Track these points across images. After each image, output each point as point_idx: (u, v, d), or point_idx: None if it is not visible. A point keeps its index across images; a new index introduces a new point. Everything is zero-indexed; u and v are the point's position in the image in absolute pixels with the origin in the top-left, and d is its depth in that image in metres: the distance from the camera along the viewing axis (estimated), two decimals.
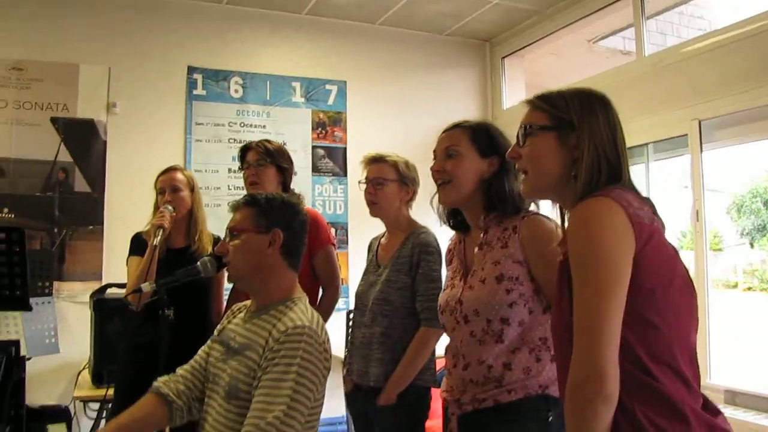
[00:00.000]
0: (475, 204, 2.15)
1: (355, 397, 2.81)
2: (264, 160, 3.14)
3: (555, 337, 1.59)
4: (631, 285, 1.38)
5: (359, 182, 2.88)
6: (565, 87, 1.62)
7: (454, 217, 2.28)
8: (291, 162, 3.26)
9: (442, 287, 2.28)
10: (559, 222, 1.68)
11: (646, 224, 1.42)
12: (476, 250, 2.12)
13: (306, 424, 1.86)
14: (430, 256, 2.70)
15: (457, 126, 2.23)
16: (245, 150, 3.24)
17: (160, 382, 2.08)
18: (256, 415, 1.77)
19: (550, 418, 1.92)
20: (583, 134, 1.53)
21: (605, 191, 1.45)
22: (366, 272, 2.90)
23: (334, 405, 5.38)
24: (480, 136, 2.17)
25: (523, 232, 2.02)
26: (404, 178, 2.81)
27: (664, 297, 1.41)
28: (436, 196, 2.23)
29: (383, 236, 2.94)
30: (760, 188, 12.91)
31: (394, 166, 2.82)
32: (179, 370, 2.13)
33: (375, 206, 2.82)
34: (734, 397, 4.12)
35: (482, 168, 2.14)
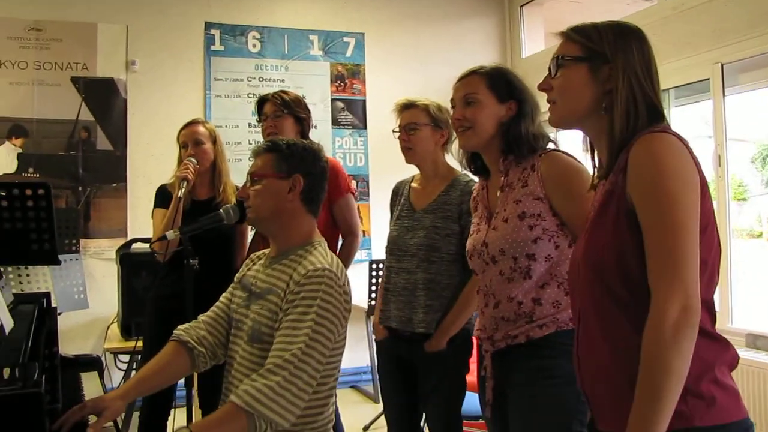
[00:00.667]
0: (494, 148, 2.17)
1: (391, 343, 2.78)
2: (281, 110, 3.15)
3: (586, 257, 1.54)
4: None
5: (393, 131, 2.85)
6: (599, 21, 1.60)
7: (474, 163, 2.30)
8: (308, 111, 3.27)
9: (470, 233, 2.29)
10: (588, 154, 1.66)
11: (700, 168, 1.42)
12: (498, 192, 2.15)
13: (327, 365, 1.89)
14: None
15: (473, 72, 2.23)
16: (262, 102, 3.25)
17: (181, 329, 2.10)
18: (276, 354, 1.80)
19: None
20: (616, 66, 1.51)
21: (666, 127, 1.45)
22: (398, 217, 2.85)
23: (359, 355, 5.48)
24: (497, 81, 2.18)
25: (543, 168, 2.04)
26: (437, 121, 2.77)
27: (711, 237, 1.42)
28: (456, 142, 2.25)
29: (412, 180, 2.90)
30: None
31: (425, 110, 2.78)
32: (201, 317, 2.16)
33: (410, 152, 2.78)
34: (755, 341, 4.13)
35: (500, 113, 2.16)
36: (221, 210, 2.50)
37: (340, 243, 3.22)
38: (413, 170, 2.89)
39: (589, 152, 1.66)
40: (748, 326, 4.14)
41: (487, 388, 2.17)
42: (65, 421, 1.72)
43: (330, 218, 3.11)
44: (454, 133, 2.78)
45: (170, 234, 2.51)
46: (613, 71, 1.51)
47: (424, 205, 2.76)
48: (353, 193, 3.24)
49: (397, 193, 2.96)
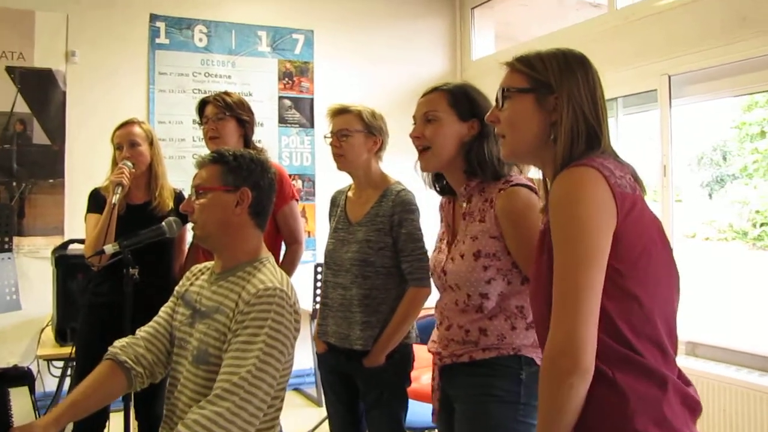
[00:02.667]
0: (456, 168, 2.12)
1: (330, 358, 2.75)
2: (223, 113, 3.04)
3: (534, 306, 1.58)
4: (614, 257, 1.36)
5: (324, 136, 2.80)
6: (544, 49, 1.58)
7: (439, 182, 2.25)
8: (251, 113, 3.16)
9: (435, 246, 2.28)
10: (542, 188, 1.65)
11: (628, 193, 1.40)
12: (461, 218, 2.11)
13: (277, 386, 1.83)
14: (412, 215, 2.63)
15: (435, 89, 2.17)
16: (203, 104, 3.13)
17: (117, 347, 2.00)
18: (225, 378, 1.73)
19: (523, 376, 1.97)
20: (561, 96, 1.50)
21: (587, 160, 1.42)
22: (335, 229, 2.80)
23: (302, 357, 5.41)
24: (459, 99, 2.12)
25: (498, 205, 1.99)
26: (371, 128, 2.72)
27: (645, 267, 1.40)
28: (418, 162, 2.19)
29: (349, 189, 2.85)
30: (721, 142, 13.10)
31: (358, 115, 2.72)
32: (139, 332, 2.06)
33: (342, 159, 2.72)
34: (695, 349, 4.20)
35: (462, 132, 2.10)
36: (163, 224, 2.41)
37: (282, 250, 3.14)
38: None
39: (543, 185, 1.64)
40: (688, 334, 4.18)
41: (434, 399, 2.25)
42: None
43: (273, 225, 3.03)
44: (386, 141, 2.77)
45: (108, 248, 2.41)
46: (558, 101, 1.50)
47: (358, 217, 2.72)
48: (297, 199, 3.16)
49: (334, 203, 2.91)
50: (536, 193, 2.01)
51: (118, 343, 2.03)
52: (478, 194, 2.08)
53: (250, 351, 1.75)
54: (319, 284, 4.92)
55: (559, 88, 1.51)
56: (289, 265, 3.06)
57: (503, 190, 2.01)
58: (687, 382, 1.47)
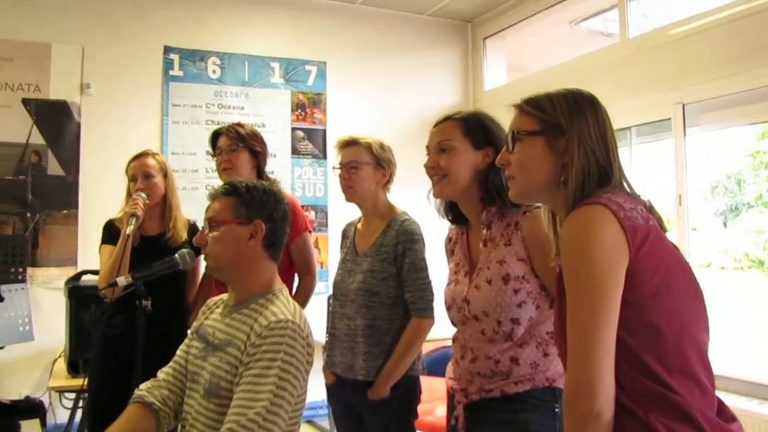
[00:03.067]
0: (472, 197, 2.10)
1: (338, 389, 2.73)
2: (236, 144, 3.03)
3: (557, 345, 1.56)
4: (630, 292, 1.34)
5: (333, 168, 2.81)
6: (553, 90, 1.58)
7: (452, 211, 2.22)
8: (264, 145, 3.16)
9: (447, 281, 2.22)
10: (550, 227, 1.64)
11: (641, 225, 1.38)
12: (481, 245, 2.07)
13: (290, 420, 1.81)
14: (416, 245, 2.63)
15: (448, 118, 2.16)
16: (216, 135, 3.13)
17: (143, 390, 1.99)
18: (238, 411, 1.71)
19: (557, 409, 1.91)
20: (572, 138, 1.50)
21: (595, 198, 1.41)
22: (343, 260, 2.81)
23: (315, 389, 5.36)
24: (473, 127, 2.11)
25: (526, 228, 1.97)
26: (380, 160, 2.73)
27: (666, 299, 1.37)
28: (432, 190, 2.17)
29: (359, 222, 2.85)
30: (736, 171, 13.03)
31: (368, 148, 2.73)
32: (160, 374, 2.05)
33: (350, 191, 2.73)
34: (715, 382, 4.13)
35: (477, 160, 2.08)
36: (176, 256, 2.40)
37: (296, 282, 3.12)
38: None
39: (551, 225, 1.63)
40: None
41: None
42: None
43: (286, 257, 3.01)
44: (394, 173, 2.77)
45: (121, 280, 2.40)
46: (569, 143, 1.50)
47: (365, 248, 2.72)
48: (310, 230, 3.15)
49: (345, 235, 2.92)
50: None
51: (143, 385, 2.02)
52: (498, 220, 2.05)
53: (264, 385, 1.73)
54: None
55: (570, 130, 1.50)
56: (302, 297, 3.04)
57: (528, 212, 1.99)
58: (730, 418, 1.42)
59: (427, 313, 2.60)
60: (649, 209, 1.48)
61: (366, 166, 2.71)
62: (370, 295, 2.61)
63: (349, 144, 2.76)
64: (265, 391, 1.72)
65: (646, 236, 1.38)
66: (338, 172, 2.77)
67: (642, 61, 4.62)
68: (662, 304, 1.37)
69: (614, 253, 1.34)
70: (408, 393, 2.63)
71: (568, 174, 1.48)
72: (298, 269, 3.09)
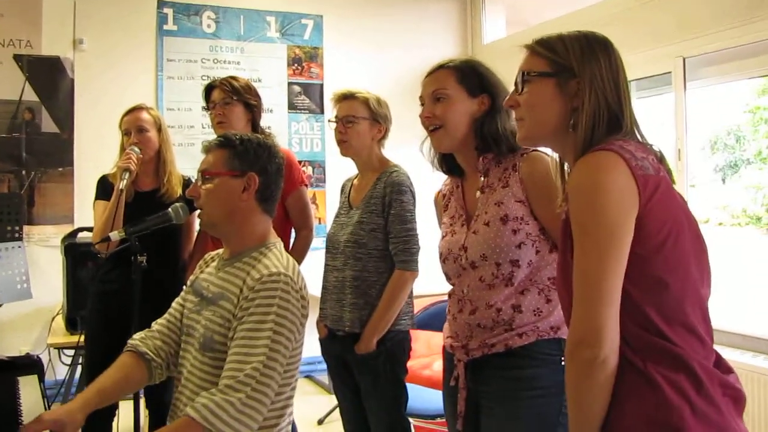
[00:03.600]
0: (469, 146, 2.05)
1: (330, 342, 2.75)
2: (230, 98, 2.99)
3: (560, 293, 1.55)
4: (637, 243, 1.33)
5: (329, 120, 2.79)
6: (566, 31, 1.54)
7: (446, 162, 2.18)
8: (259, 98, 3.11)
9: (442, 234, 2.18)
10: (558, 173, 1.60)
11: (651, 175, 1.35)
12: (478, 193, 2.03)
13: (285, 374, 1.81)
14: (402, 195, 2.62)
15: (441, 67, 2.10)
16: (210, 89, 3.08)
17: (137, 339, 1.99)
18: (234, 367, 1.70)
19: (563, 362, 1.87)
20: (583, 81, 1.46)
21: (607, 144, 1.38)
22: (337, 214, 2.82)
23: (312, 344, 5.39)
24: (467, 75, 2.06)
25: (524, 169, 1.94)
26: (376, 115, 2.71)
27: (673, 251, 1.35)
28: (426, 141, 2.13)
29: (356, 177, 2.85)
30: (735, 127, 12.98)
31: (365, 102, 2.71)
32: (155, 325, 2.05)
33: (345, 145, 2.72)
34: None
35: (473, 108, 2.04)
36: (170, 210, 2.39)
37: (293, 237, 3.11)
38: None
39: (559, 171, 1.59)
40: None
41: (459, 399, 2.04)
42: None
43: (282, 211, 2.99)
44: (389, 128, 2.74)
45: (114, 235, 2.38)
46: (580, 86, 1.46)
47: (357, 201, 2.73)
48: (306, 185, 3.12)
49: (342, 190, 2.92)
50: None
51: (137, 335, 2.02)
52: (495, 166, 2.01)
53: (258, 339, 1.72)
54: None
55: (581, 73, 1.46)
56: (299, 252, 3.02)
57: (526, 154, 1.96)
58: (727, 369, 1.42)
59: (411, 265, 2.60)
60: (660, 159, 1.45)
61: (362, 120, 2.69)
62: (358, 246, 2.62)
63: (345, 98, 2.74)
64: (260, 345, 1.72)
65: (657, 187, 1.35)
66: (334, 125, 2.74)
67: (642, 14, 4.55)
68: (668, 256, 1.35)
69: (624, 201, 1.32)
70: (395, 347, 2.64)
71: (578, 118, 1.45)
72: (294, 224, 3.07)
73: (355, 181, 2.83)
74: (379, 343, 2.57)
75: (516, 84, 1.57)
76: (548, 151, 1.81)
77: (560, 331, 1.89)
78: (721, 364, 1.42)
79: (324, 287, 2.76)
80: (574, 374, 1.35)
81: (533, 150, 1.97)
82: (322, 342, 2.80)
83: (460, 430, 2.07)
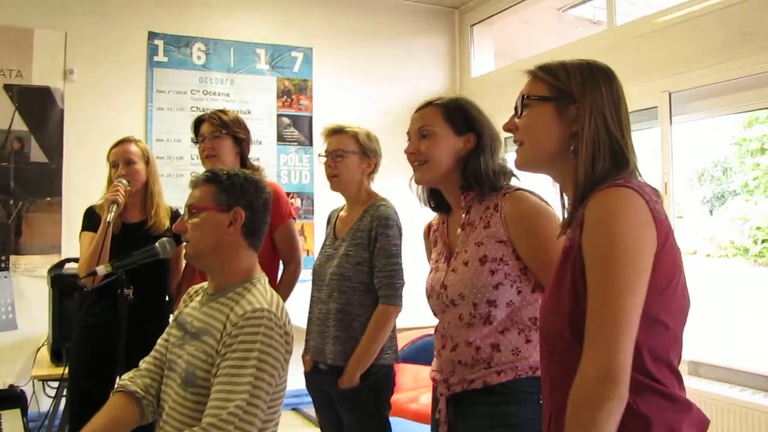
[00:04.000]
0: (453, 183, 2.07)
1: (314, 376, 2.73)
2: (219, 131, 3.00)
3: (549, 322, 1.50)
4: (649, 283, 1.32)
5: (319, 155, 2.80)
6: (568, 59, 1.54)
7: (434, 199, 2.19)
8: (248, 132, 3.12)
9: (430, 268, 2.19)
10: (556, 202, 1.60)
11: (664, 221, 1.36)
12: (459, 230, 2.05)
13: (269, 410, 1.80)
14: (389, 230, 2.62)
15: (429, 104, 2.12)
16: (199, 122, 3.09)
17: (126, 379, 1.99)
18: (217, 405, 1.69)
19: (541, 401, 1.87)
20: (583, 106, 1.45)
21: (626, 181, 1.38)
22: (324, 245, 2.82)
23: (300, 377, 5.36)
24: (454, 113, 2.08)
25: (506, 209, 1.94)
26: (365, 150, 2.73)
27: (672, 296, 1.36)
28: (413, 177, 2.14)
29: (342, 209, 2.85)
30: (722, 159, 13.10)
31: (354, 137, 2.72)
32: (142, 364, 2.04)
33: (335, 179, 2.73)
34: (697, 369, 4.16)
35: (458, 146, 2.05)
36: (157, 244, 2.38)
37: (280, 269, 3.10)
38: None
39: (560, 199, 1.58)
40: (690, 353, 4.14)
41: None
42: None
43: (270, 244, 3.00)
44: (379, 162, 2.76)
45: (100, 269, 2.38)
46: (580, 112, 1.45)
47: (343, 233, 2.73)
48: (294, 217, 3.13)
49: (328, 221, 2.93)
50: (541, 199, 1.96)
51: (126, 375, 2.01)
52: (477, 204, 2.02)
53: (241, 377, 1.71)
54: None
55: (581, 99, 1.46)
56: (287, 285, 3.02)
57: (509, 194, 1.97)
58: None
59: (394, 300, 2.60)
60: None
61: (352, 155, 2.70)
62: (343, 279, 2.61)
63: (335, 132, 2.75)
64: (243, 383, 1.71)
65: (668, 233, 1.36)
66: (324, 160, 2.75)
67: (629, 48, 4.61)
68: (668, 300, 1.36)
69: (647, 237, 1.32)
70: (379, 382, 2.62)
71: (578, 143, 1.44)
72: (282, 257, 3.07)
73: (342, 213, 2.83)
74: (363, 378, 2.56)
75: (516, 108, 1.57)
76: (541, 182, 1.82)
77: (537, 371, 1.88)
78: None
79: (309, 319, 2.75)
80: (588, 412, 1.29)
81: (516, 189, 1.98)
82: (307, 375, 2.78)
83: None
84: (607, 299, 1.30)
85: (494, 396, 1.92)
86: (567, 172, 1.49)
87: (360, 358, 2.56)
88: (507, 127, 1.60)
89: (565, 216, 1.54)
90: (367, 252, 2.61)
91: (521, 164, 1.58)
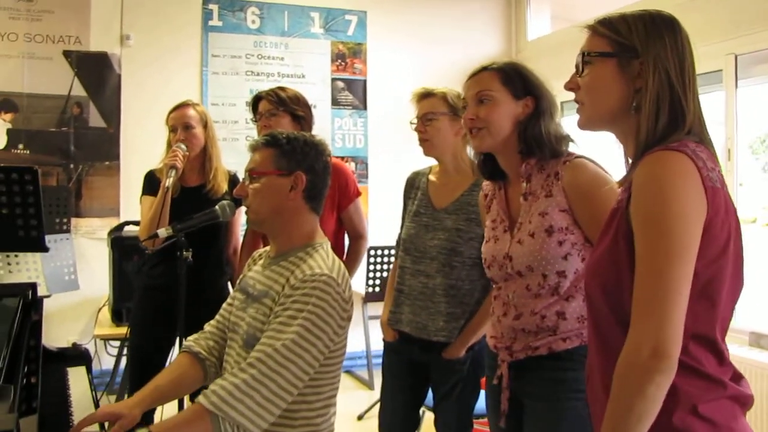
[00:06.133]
0: (511, 149, 2.03)
1: (402, 347, 2.67)
2: (276, 109, 2.95)
3: (594, 284, 1.44)
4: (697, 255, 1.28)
5: (410, 122, 2.71)
6: (629, 10, 1.47)
7: (487, 167, 2.14)
8: (308, 108, 3.07)
9: (485, 238, 2.15)
10: (621, 161, 1.54)
11: (719, 189, 1.30)
12: (521, 199, 2.01)
13: (324, 375, 1.80)
14: None
15: (485, 69, 2.07)
16: (257, 100, 3.05)
17: (191, 340, 2.02)
18: (254, 353, 1.71)
19: None
20: (647, 61, 1.39)
21: (680, 144, 1.32)
22: (416, 213, 2.68)
23: (354, 340, 5.41)
24: (511, 77, 2.03)
25: (566, 177, 1.91)
26: (456, 110, 2.58)
27: (723, 268, 1.32)
28: (470, 143, 2.11)
29: (430, 172, 2.74)
30: None
31: (443, 98, 2.61)
32: (207, 326, 2.07)
33: (427, 143, 2.61)
34: (759, 339, 4.06)
35: (517, 111, 2.01)
36: (217, 207, 2.40)
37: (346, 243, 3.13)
38: (411, 153, 2.73)
39: (624, 159, 1.53)
40: (751, 324, 4.04)
41: (503, 399, 2.05)
42: (76, 430, 1.66)
43: (336, 223, 3.01)
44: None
45: (161, 232, 2.41)
46: (643, 66, 1.39)
47: (445, 204, 2.61)
48: (360, 194, 3.12)
49: (412, 185, 2.78)
50: (601, 168, 1.92)
51: (191, 337, 2.05)
52: (538, 172, 1.98)
53: (285, 332, 1.71)
54: (371, 267, 4.93)
55: (645, 53, 1.39)
56: (355, 259, 3.05)
57: (569, 162, 1.93)
58: (738, 377, 1.39)
59: None
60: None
61: (442, 116, 2.59)
62: (454, 254, 2.52)
63: (424, 96, 2.65)
64: (285, 338, 1.70)
65: (721, 202, 1.31)
66: (414, 126, 2.68)
67: (693, 9, 4.44)
68: (720, 274, 1.31)
69: (697, 205, 1.28)
70: (480, 353, 2.57)
71: (642, 99, 1.39)
72: (349, 233, 3.08)
73: (432, 178, 2.71)
74: (467, 350, 2.54)
75: (576, 66, 1.51)
76: (603, 143, 1.76)
77: None
78: (735, 374, 1.38)
79: (400, 290, 2.66)
80: (636, 384, 1.26)
81: (576, 157, 1.93)
82: (390, 344, 2.73)
83: (503, 427, 2.07)
84: (656, 269, 1.26)
85: (560, 362, 1.92)
86: (629, 128, 1.44)
87: (473, 333, 2.51)
88: (568, 87, 1.54)
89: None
90: (479, 227, 2.49)
91: (584, 124, 1.52)
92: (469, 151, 2.16)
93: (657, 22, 1.43)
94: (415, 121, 2.63)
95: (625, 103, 1.43)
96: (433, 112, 2.58)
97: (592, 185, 1.87)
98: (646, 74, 1.39)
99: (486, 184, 2.25)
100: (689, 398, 1.30)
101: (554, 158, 1.96)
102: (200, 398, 1.64)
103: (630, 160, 1.48)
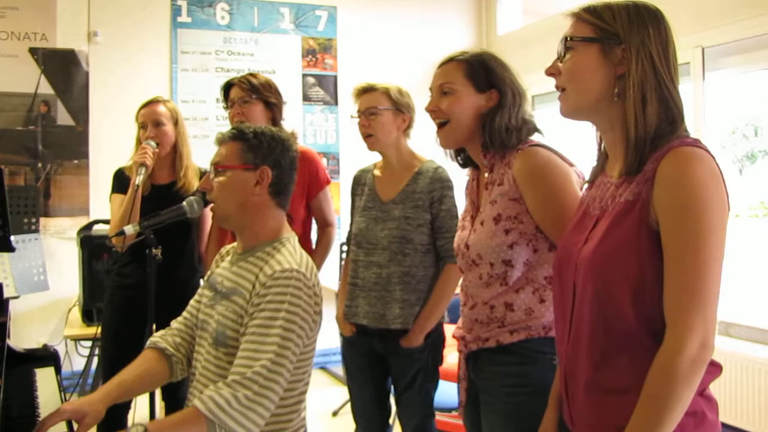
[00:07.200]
0: (477, 142, 2.02)
1: (360, 340, 2.69)
2: (249, 96, 2.93)
3: (610, 279, 1.39)
4: None
5: (351, 116, 2.75)
6: (614, 0, 1.48)
7: (461, 154, 2.15)
8: (279, 96, 3.05)
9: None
10: (595, 148, 1.55)
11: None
12: (483, 189, 2.01)
13: (298, 370, 1.79)
14: (451, 191, 2.61)
15: (452, 60, 2.07)
16: (228, 87, 3.02)
17: (157, 336, 2.00)
18: (243, 363, 1.69)
19: (556, 361, 1.80)
20: (630, 47, 1.40)
21: (696, 141, 1.35)
22: (365, 208, 2.74)
23: (328, 336, 5.41)
24: (476, 70, 2.01)
25: (516, 166, 1.89)
26: (398, 105, 2.66)
27: (721, 265, 1.35)
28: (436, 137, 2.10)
29: (375, 168, 2.80)
30: (753, 117, 12.86)
31: (385, 93, 2.67)
32: (174, 323, 2.05)
33: (371, 138, 2.67)
34: (728, 328, 4.12)
35: (479, 104, 1.99)
36: (184, 203, 2.38)
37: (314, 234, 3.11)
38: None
39: (597, 146, 1.55)
40: (721, 314, 4.10)
41: (461, 389, 2.09)
42: (40, 429, 1.64)
43: (306, 211, 3.00)
44: (413, 117, 2.70)
45: (129, 229, 2.38)
46: (626, 53, 1.40)
47: (392, 196, 2.67)
48: (329, 181, 3.11)
49: (359, 182, 2.85)
50: (557, 155, 1.90)
51: (157, 333, 2.03)
52: (499, 161, 1.97)
53: (268, 336, 1.71)
54: (344, 263, 4.89)
55: (628, 39, 1.40)
56: (325, 248, 3.04)
57: (521, 150, 1.91)
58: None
59: None
60: None
61: (385, 111, 2.64)
62: (405, 242, 2.57)
63: (366, 91, 2.70)
64: (269, 343, 1.70)
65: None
66: (357, 120, 2.70)
67: (661, 3, 4.46)
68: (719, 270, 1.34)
69: (725, 202, 1.32)
70: (437, 340, 2.64)
71: (625, 85, 1.40)
72: (318, 220, 3.08)
73: (377, 173, 2.77)
74: (425, 337, 2.56)
75: (558, 52, 1.51)
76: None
77: (551, 331, 1.85)
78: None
79: (354, 284, 2.69)
80: (693, 377, 1.28)
81: (532, 145, 1.92)
82: (348, 339, 2.75)
83: (464, 416, 2.10)
84: (697, 268, 1.28)
85: (509, 356, 1.91)
86: (613, 116, 1.44)
87: (428, 319, 2.55)
88: (549, 72, 1.53)
89: (598, 162, 1.52)
90: (428, 214, 2.58)
91: (566, 112, 1.52)
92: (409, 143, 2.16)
93: (641, 11, 1.44)
94: (356, 114, 2.67)
95: (607, 89, 1.43)
96: (376, 107, 2.64)
97: (540, 172, 1.85)
98: (629, 61, 1.40)
99: (467, 175, 2.25)
100: (703, 382, 1.32)
101: (513, 149, 1.95)
102: (196, 402, 1.64)
103: (608, 151, 1.49)
